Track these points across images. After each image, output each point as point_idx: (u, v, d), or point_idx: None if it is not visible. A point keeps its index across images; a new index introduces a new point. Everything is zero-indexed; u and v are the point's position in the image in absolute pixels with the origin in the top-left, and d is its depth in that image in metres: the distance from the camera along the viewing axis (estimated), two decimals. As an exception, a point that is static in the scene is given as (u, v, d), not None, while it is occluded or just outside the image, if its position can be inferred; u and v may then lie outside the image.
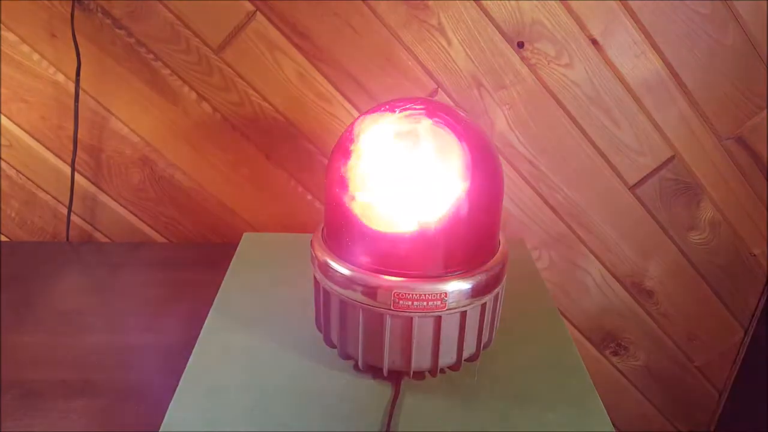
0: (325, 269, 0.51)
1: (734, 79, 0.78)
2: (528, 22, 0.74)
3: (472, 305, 0.49)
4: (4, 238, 0.88)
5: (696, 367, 0.99)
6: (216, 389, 0.53)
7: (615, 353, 0.98)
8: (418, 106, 0.51)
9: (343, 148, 0.53)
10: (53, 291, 0.73)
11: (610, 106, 0.79)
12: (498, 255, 0.52)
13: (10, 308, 0.69)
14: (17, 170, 0.83)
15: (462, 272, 0.49)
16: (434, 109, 0.51)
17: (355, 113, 0.79)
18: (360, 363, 0.53)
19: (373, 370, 0.54)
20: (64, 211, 0.85)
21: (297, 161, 0.83)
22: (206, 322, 0.62)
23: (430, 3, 0.73)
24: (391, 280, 0.48)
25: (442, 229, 0.50)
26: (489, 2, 0.73)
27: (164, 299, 0.72)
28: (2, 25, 0.74)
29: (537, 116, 0.80)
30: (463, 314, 0.49)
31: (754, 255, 0.90)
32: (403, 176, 0.48)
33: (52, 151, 0.82)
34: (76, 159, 0.81)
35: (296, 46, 0.75)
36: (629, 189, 0.85)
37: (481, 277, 0.49)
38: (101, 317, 0.69)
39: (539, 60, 0.76)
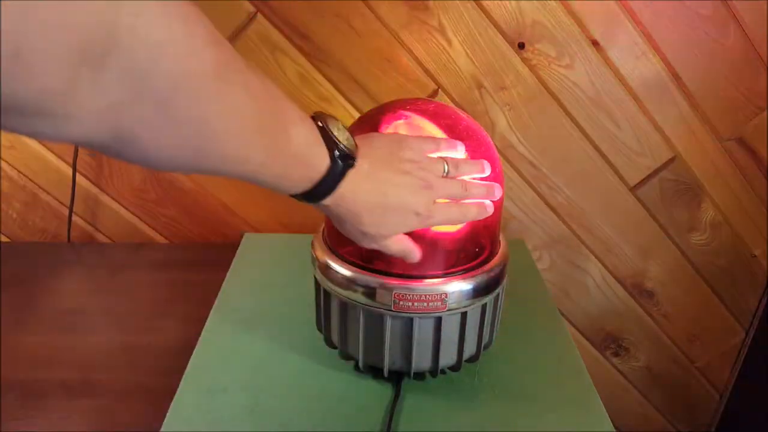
0: (326, 270, 0.51)
1: (735, 80, 0.78)
2: (529, 23, 0.74)
3: (472, 306, 0.49)
4: (5, 239, 0.88)
5: (697, 367, 0.99)
6: (216, 389, 0.53)
7: (615, 354, 0.98)
8: (418, 107, 0.51)
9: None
10: (54, 291, 0.74)
11: (610, 107, 0.79)
12: (498, 256, 0.52)
13: (12, 308, 0.69)
14: (19, 171, 0.83)
15: (462, 273, 0.49)
16: (434, 110, 0.51)
17: (356, 114, 0.79)
18: (360, 363, 0.53)
19: (373, 370, 0.54)
20: (66, 211, 0.85)
21: (298, 162, 0.83)
22: (207, 322, 0.62)
23: (430, 4, 0.73)
24: (391, 281, 0.48)
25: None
26: (489, 3, 0.73)
27: (165, 299, 0.72)
28: None
29: (538, 117, 0.80)
30: (464, 315, 0.49)
31: (755, 256, 0.90)
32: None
33: (53, 152, 0.82)
34: (78, 160, 0.82)
35: (297, 47, 0.75)
36: (630, 190, 0.85)
37: (481, 278, 0.49)
38: (102, 317, 0.69)
39: (540, 61, 0.76)
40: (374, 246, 0.44)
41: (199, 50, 0.27)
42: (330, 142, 0.38)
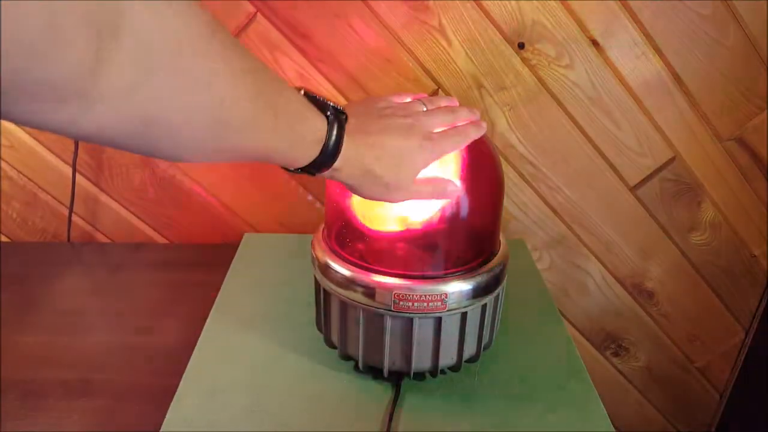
0: (326, 270, 0.51)
1: (735, 80, 0.78)
2: (528, 22, 0.74)
3: (472, 306, 0.49)
4: (5, 239, 0.88)
5: (697, 368, 0.99)
6: (216, 389, 0.53)
7: (615, 354, 0.98)
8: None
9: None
10: (54, 291, 0.73)
11: (610, 106, 0.79)
12: (498, 256, 0.52)
13: (11, 308, 0.69)
14: (18, 171, 0.83)
15: (462, 273, 0.49)
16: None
17: (356, 114, 0.79)
18: (360, 364, 0.53)
19: (373, 370, 0.54)
20: (65, 211, 0.85)
21: (297, 162, 0.83)
22: (207, 322, 0.62)
23: (430, 4, 0.73)
24: (391, 281, 0.48)
25: (443, 229, 0.50)
26: (489, 3, 0.73)
27: (165, 299, 0.72)
28: None
29: (537, 117, 0.80)
30: (464, 315, 0.49)
31: (755, 256, 0.90)
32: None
33: (53, 152, 0.82)
34: (77, 160, 0.82)
35: (297, 46, 0.75)
36: (630, 190, 0.85)
37: (481, 278, 0.49)
38: (102, 317, 0.69)
39: (540, 61, 0.76)
40: (407, 196, 0.45)
41: (191, 11, 0.28)
42: (318, 103, 0.39)
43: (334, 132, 0.39)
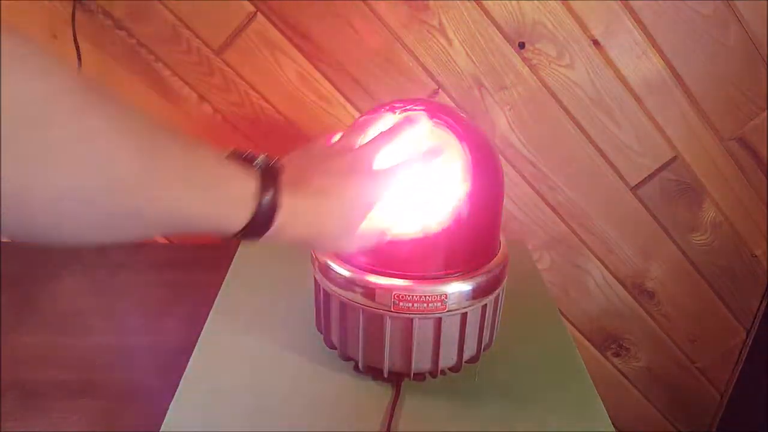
0: (326, 270, 0.51)
1: (736, 80, 0.78)
2: (529, 22, 0.74)
3: (472, 307, 0.49)
4: (4, 239, 0.88)
5: (697, 368, 0.99)
6: (216, 390, 0.53)
7: (616, 354, 0.98)
8: (418, 107, 0.51)
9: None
10: (54, 291, 0.73)
11: (611, 106, 0.79)
12: (499, 256, 0.52)
13: (11, 308, 0.69)
14: (18, 170, 0.83)
15: (462, 273, 0.49)
16: (434, 110, 0.51)
17: (356, 114, 0.79)
18: (360, 364, 0.53)
19: (373, 371, 0.54)
20: (65, 211, 0.85)
21: (298, 162, 0.83)
22: (207, 323, 0.62)
23: (430, 3, 0.73)
24: (391, 282, 0.48)
25: (443, 230, 0.50)
26: (490, 3, 0.73)
27: (165, 300, 0.72)
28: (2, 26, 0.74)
29: (538, 117, 0.80)
30: (464, 316, 0.49)
31: (755, 256, 0.90)
32: (403, 177, 0.48)
33: (53, 152, 0.82)
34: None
35: (297, 46, 0.75)
36: (630, 190, 0.85)
37: (481, 279, 0.49)
38: (102, 318, 0.69)
39: (540, 60, 0.76)
40: (359, 243, 0.44)
41: (54, 67, 0.25)
42: (244, 157, 0.35)
43: (267, 185, 0.34)
